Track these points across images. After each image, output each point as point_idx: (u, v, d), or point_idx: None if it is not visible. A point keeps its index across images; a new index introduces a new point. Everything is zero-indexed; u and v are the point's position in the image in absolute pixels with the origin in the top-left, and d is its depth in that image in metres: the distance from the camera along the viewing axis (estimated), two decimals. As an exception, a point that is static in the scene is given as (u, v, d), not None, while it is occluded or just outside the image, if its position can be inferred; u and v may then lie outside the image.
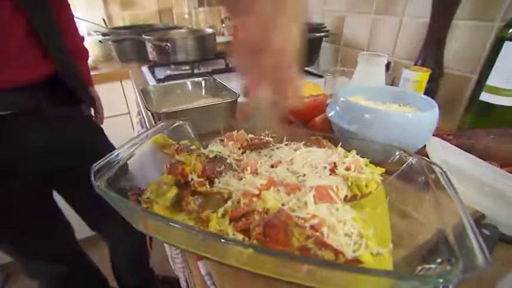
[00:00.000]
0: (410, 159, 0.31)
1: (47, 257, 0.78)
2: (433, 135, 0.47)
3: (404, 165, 0.32)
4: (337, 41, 0.95)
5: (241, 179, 0.27)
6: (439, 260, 0.22)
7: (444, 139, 0.45)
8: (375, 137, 0.34)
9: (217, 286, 0.26)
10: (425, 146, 0.41)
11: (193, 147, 0.31)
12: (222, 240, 0.20)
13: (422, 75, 0.57)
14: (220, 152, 0.29)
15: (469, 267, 0.19)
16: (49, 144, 0.66)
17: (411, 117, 0.35)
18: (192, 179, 0.27)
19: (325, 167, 0.28)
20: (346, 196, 0.27)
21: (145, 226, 0.25)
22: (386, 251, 0.23)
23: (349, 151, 0.33)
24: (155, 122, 0.46)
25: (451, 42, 0.63)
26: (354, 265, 0.19)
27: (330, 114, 0.38)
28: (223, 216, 0.24)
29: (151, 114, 0.59)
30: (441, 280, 0.18)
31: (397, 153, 0.32)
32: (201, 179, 0.27)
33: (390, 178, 0.33)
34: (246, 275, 0.25)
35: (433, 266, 0.22)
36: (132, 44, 1.20)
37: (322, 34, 0.82)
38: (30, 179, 0.67)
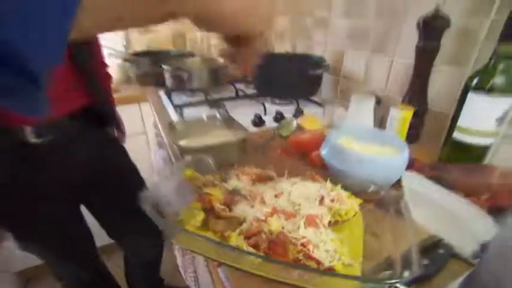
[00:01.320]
0: (383, 192, 0.40)
1: (71, 262, 0.87)
2: (413, 166, 0.56)
3: (379, 196, 0.41)
4: (338, 73, 1.06)
5: (252, 206, 0.37)
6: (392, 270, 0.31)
7: (421, 171, 0.54)
8: (357, 173, 0.43)
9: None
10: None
11: (217, 182, 0.41)
12: (239, 251, 0.29)
13: (406, 113, 0.66)
14: (236, 186, 0.39)
15: (408, 273, 0.28)
16: (81, 165, 0.76)
17: (384, 160, 0.44)
18: (216, 207, 0.36)
19: (315, 199, 0.37)
20: (330, 221, 0.36)
21: (182, 242, 0.34)
22: (357, 263, 0.32)
23: (336, 184, 0.42)
24: (180, 153, 0.56)
25: (433, 82, 0.72)
26: (328, 271, 0.28)
27: (323, 153, 0.48)
28: (239, 234, 0.34)
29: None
30: (388, 281, 0.27)
31: (372, 187, 0.41)
32: (223, 207, 0.36)
33: (368, 206, 0.42)
34: (256, 279, 0.34)
35: (387, 273, 0.31)
36: (150, 69, 1.32)
37: (321, 70, 0.92)
38: (62, 193, 0.77)
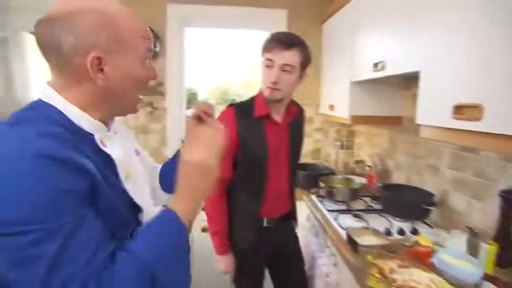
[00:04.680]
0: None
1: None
2: (489, 280, 0.98)
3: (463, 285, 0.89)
4: (443, 204, 1.51)
5: (399, 274, 0.90)
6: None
7: (493, 282, 0.96)
8: (452, 274, 0.92)
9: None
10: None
11: (383, 263, 0.97)
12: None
13: (491, 248, 1.09)
14: (392, 266, 0.94)
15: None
16: (275, 245, 1.40)
17: (468, 271, 0.92)
18: (386, 272, 0.91)
19: (428, 278, 0.88)
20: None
21: (371, 283, 0.91)
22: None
23: (440, 276, 0.92)
24: (357, 246, 1.14)
25: (513, 230, 1.14)
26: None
27: (434, 261, 0.98)
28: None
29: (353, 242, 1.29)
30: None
31: (458, 281, 0.89)
32: (388, 273, 0.91)
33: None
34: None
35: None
36: (307, 178, 2.03)
37: (432, 207, 1.42)
38: (261, 258, 1.42)
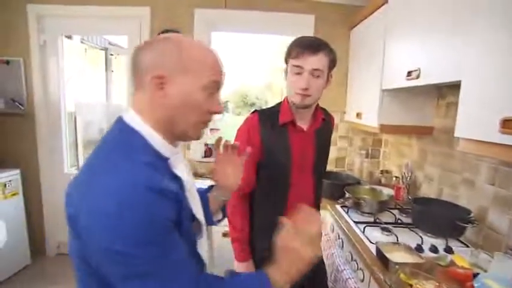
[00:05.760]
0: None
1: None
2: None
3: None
4: (481, 221, 1.41)
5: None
6: None
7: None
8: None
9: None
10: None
11: (418, 283, 0.91)
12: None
13: (538, 273, 1.01)
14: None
15: None
16: None
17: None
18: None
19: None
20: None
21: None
22: None
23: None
24: (389, 263, 1.09)
25: None
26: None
27: (475, 285, 0.91)
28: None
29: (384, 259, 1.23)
30: None
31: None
32: None
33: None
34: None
35: None
36: (332, 187, 1.97)
37: (469, 225, 1.33)
38: None
